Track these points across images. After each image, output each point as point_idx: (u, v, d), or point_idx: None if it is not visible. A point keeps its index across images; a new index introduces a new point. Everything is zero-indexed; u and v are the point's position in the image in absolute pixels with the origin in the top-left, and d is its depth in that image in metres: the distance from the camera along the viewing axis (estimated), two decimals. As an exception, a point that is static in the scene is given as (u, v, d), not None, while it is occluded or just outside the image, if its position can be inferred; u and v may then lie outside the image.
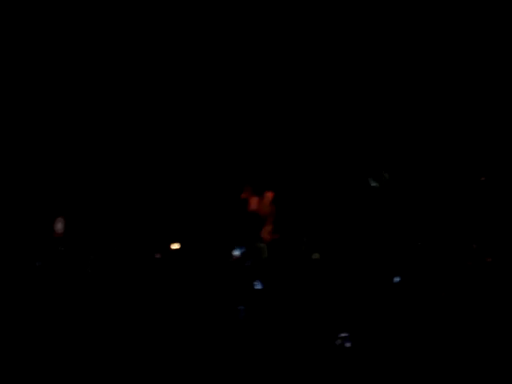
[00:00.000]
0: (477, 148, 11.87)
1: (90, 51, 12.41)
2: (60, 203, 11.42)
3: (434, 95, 12.02)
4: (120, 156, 12.32)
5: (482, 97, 11.84)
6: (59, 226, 10.55)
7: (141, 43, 12.52)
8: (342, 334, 7.95)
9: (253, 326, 8.50)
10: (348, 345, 7.92)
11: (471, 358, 7.74)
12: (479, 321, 8.33)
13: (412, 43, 12.11)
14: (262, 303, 8.96)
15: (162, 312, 8.66)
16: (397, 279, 9.60)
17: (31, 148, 12.02)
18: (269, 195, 11.22)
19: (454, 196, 11.50)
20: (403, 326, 8.37)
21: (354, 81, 12.22)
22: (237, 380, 7.52)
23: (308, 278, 9.53)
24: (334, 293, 9.05)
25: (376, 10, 12.29)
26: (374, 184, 11.24)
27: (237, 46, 12.65)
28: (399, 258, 10.59)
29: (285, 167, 12.10)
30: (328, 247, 10.73)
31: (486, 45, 12.01)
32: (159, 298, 8.95)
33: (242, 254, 10.33)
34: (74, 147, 12.19)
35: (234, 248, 10.48)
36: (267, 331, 8.31)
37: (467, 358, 7.73)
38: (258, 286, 9.48)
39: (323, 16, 12.37)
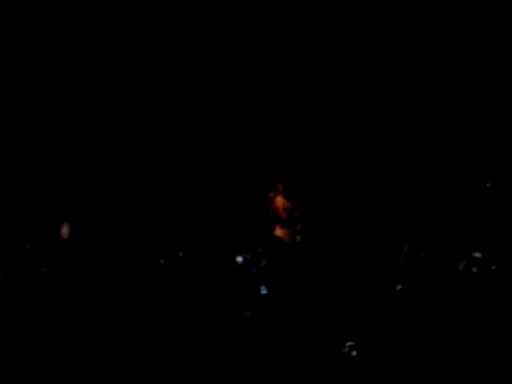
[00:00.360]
0: (481, 155, 11.88)
1: (90, 52, 12.39)
2: (65, 209, 11.42)
3: (440, 102, 12.04)
4: (124, 161, 12.31)
5: (487, 104, 11.86)
6: (65, 231, 10.57)
7: (142, 44, 12.49)
8: (349, 343, 7.97)
9: (260, 332, 8.51)
10: (354, 353, 7.94)
11: (475, 365, 7.76)
12: (484, 327, 8.34)
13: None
14: (268, 309, 8.97)
15: (168, 317, 8.67)
16: (399, 287, 9.61)
17: (38, 156, 12.02)
18: (296, 198, 11.13)
19: (457, 203, 11.52)
20: (408, 333, 8.40)
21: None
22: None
23: (314, 286, 9.54)
24: (340, 300, 9.08)
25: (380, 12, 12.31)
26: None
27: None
28: (402, 266, 10.62)
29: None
30: (336, 255, 10.75)
31: (487, 46, 12.02)
32: (165, 303, 8.96)
33: (245, 260, 10.31)
34: (80, 155, 12.18)
35: (239, 253, 10.46)
36: (274, 338, 8.33)
37: (471, 365, 7.75)
38: (263, 291, 9.47)
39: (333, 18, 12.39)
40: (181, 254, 10.56)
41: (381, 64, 12.18)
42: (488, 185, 11.01)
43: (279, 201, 11.11)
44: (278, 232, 11.09)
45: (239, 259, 10.25)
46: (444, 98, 12.00)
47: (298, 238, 11.05)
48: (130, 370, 7.88)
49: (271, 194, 11.15)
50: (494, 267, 9.84)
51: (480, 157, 11.72)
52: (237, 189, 12.33)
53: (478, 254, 9.44)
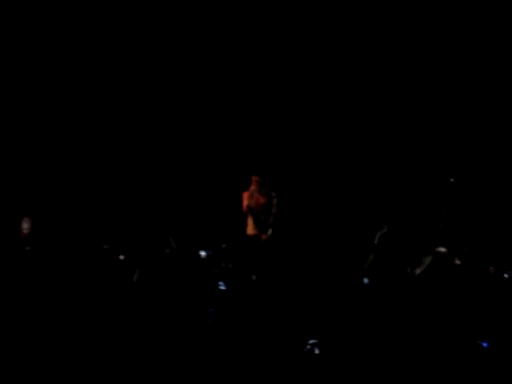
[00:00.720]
0: (446, 150, 11.95)
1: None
2: (26, 203, 11.32)
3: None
4: (86, 152, 12.22)
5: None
6: (25, 225, 10.48)
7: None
8: (312, 341, 7.93)
9: (222, 329, 8.47)
10: (317, 351, 7.90)
11: (443, 361, 7.78)
12: (450, 322, 8.38)
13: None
14: (230, 306, 8.92)
15: (130, 313, 8.60)
16: (366, 280, 9.61)
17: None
18: (271, 193, 11.02)
19: (421, 198, 11.56)
20: (373, 330, 8.39)
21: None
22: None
23: (279, 282, 9.52)
24: (305, 297, 9.06)
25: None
26: None
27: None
28: (370, 260, 10.63)
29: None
30: (303, 252, 10.75)
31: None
32: (126, 299, 8.89)
33: (209, 255, 10.25)
34: (39, 149, 12.07)
35: (204, 248, 10.40)
36: (235, 335, 8.30)
37: (438, 361, 7.77)
38: (222, 286, 9.41)
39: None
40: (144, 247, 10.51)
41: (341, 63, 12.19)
42: (452, 180, 11.05)
43: (255, 197, 11.01)
44: (251, 229, 11.01)
45: (203, 253, 10.19)
46: (412, 94, 12.05)
47: (270, 231, 11.01)
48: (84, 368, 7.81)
49: (247, 190, 11.04)
50: (458, 262, 9.89)
51: (444, 152, 11.78)
52: (209, 181, 12.27)
53: (442, 249, 9.46)
